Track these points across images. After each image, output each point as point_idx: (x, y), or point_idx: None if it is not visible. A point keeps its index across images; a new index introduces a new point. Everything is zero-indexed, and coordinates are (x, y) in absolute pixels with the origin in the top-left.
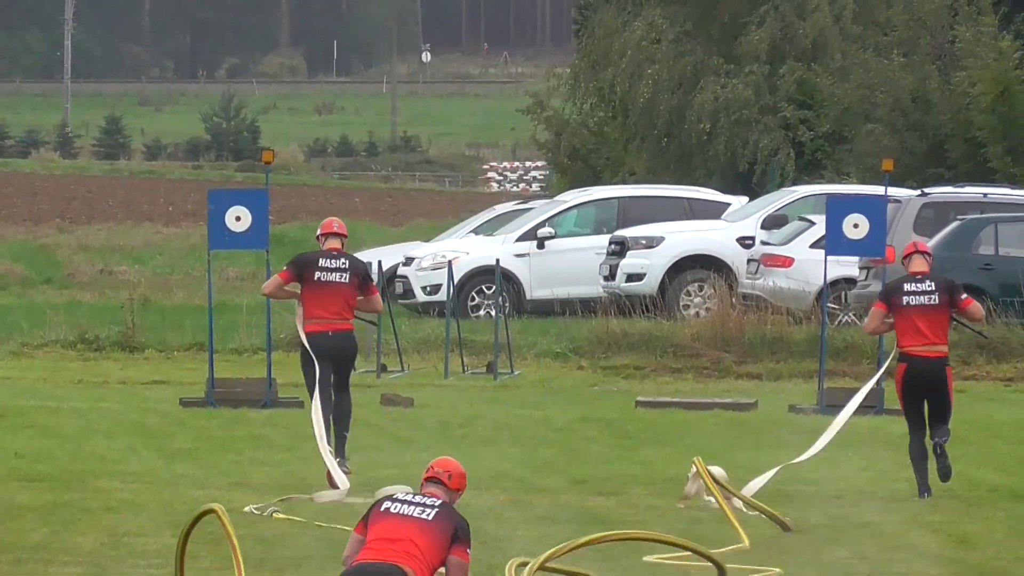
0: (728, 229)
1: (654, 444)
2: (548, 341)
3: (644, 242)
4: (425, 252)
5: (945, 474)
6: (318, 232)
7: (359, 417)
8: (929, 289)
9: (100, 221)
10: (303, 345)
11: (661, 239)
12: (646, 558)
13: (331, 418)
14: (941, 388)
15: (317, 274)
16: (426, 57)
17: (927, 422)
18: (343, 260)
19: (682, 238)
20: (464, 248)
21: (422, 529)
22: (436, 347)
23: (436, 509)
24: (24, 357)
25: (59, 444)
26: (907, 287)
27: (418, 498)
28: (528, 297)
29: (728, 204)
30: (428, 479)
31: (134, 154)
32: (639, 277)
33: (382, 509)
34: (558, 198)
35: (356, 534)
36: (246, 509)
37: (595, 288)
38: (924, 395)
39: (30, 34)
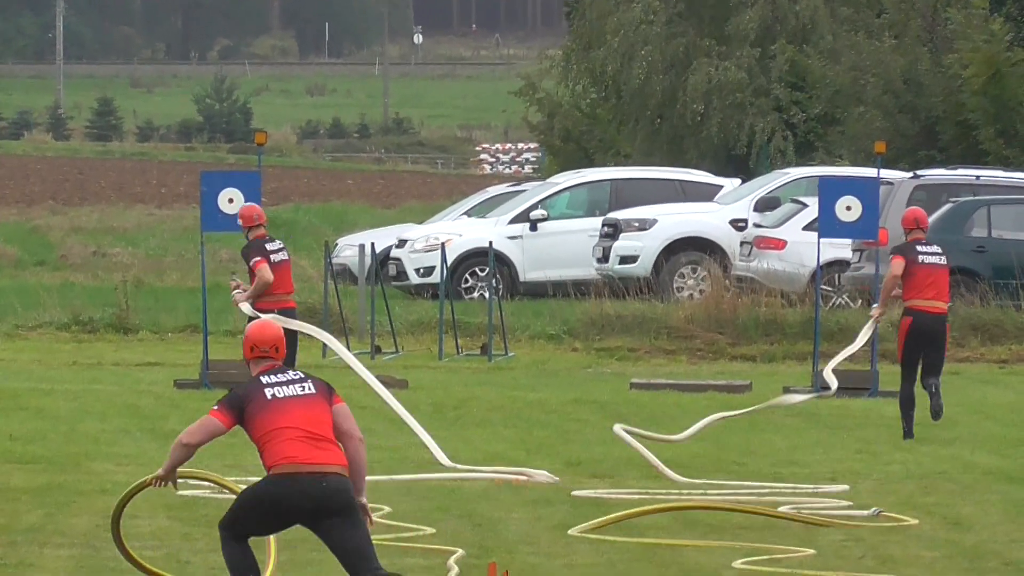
0: (721, 211)
1: (648, 426)
2: (541, 323)
3: (637, 224)
4: (418, 234)
5: (937, 412)
6: (240, 223)
7: (353, 399)
8: (938, 251)
9: (93, 203)
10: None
11: (654, 221)
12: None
13: None
14: (940, 342)
15: (273, 256)
16: (418, 39)
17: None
18: (278, 241)
19: (675, 220)
20: (457, 230)
21: (319, 404)
22: (430, 329)
23: (308, 380)
24: (18, 339)
25: (53, 426)
26: (920, 248)
27: (281, 374)
28: (521, 279)
29: (721, 186)
30: (258, 358)
31: (126, 136)
32: (632, 259)
33: (269, 396)
34: (551, 180)
35: (217, 421)
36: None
37: (588, 270)
38: (925, 348)
39: (22, 17)
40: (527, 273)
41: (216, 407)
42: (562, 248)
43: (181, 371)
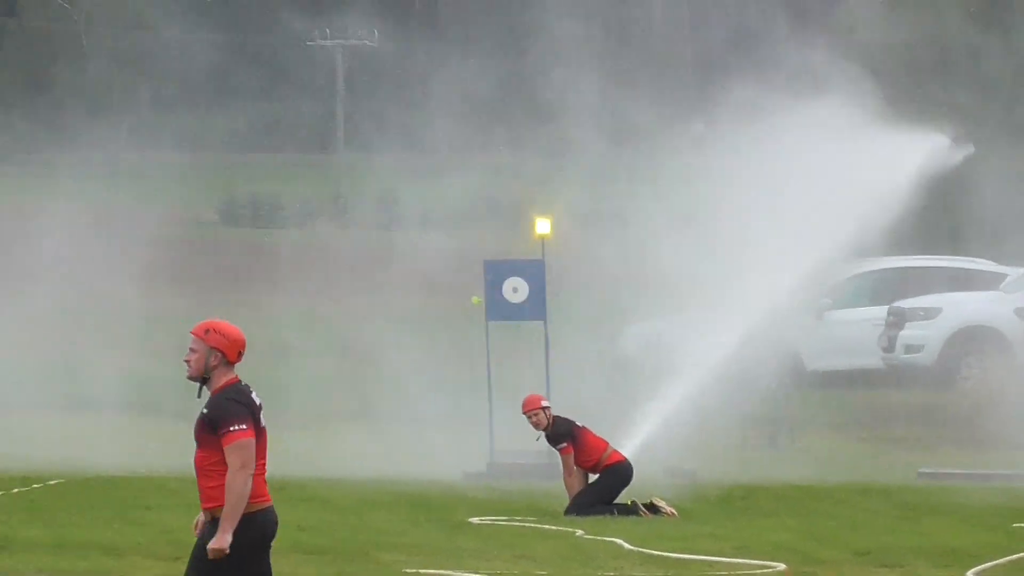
0: (1006, 300)
1: (936, 515)
2: (828, 413)
3: (922, 313)
4: None
5: None
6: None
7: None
8: None
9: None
10: None
11: (939, 310)
12: None
13: None
14: None
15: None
16: None
17: None
18: None
19: (960, 309)
20: None
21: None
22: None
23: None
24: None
25: (340, 517)
26: None
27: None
28: (808, 369)
29: (1005, 274)
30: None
31: (408, 224)
32: (918, 348)
33: (263, 424)
34: (834, 269)
35: (251, 439)
36: None
37: (874, 359)
38: None
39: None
40: (814, 363)
41: (241, 427)
42: (848, 337)
43: (468, 461)
